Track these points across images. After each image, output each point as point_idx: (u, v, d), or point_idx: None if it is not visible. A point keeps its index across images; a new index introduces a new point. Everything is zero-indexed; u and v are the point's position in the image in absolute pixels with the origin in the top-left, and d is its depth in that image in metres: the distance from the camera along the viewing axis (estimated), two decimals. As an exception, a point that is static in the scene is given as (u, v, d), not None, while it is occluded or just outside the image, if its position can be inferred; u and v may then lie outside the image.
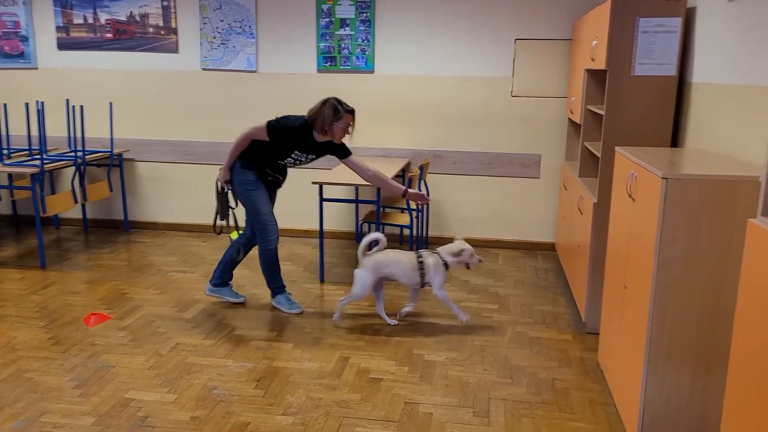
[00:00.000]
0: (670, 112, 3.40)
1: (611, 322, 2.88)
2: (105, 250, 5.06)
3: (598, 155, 3.52)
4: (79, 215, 5.77)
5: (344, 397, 2.89)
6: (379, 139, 5.26)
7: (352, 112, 3.56)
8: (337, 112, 3.49)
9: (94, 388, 2.92)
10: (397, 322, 3.68)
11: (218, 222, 3.92)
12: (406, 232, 5.31)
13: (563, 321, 3.79)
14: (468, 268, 3.69)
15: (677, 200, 2.20)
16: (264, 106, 5.32)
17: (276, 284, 3.86)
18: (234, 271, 4.00)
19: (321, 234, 4.33)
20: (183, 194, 5.62)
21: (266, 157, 3.65)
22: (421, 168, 4.59)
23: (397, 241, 5.41)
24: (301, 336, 3.52)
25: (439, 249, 3.65)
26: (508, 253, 5.15)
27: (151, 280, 4.39)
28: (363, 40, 5.08)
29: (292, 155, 3.66)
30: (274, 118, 3.60)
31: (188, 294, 4.13)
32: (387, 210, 4.78)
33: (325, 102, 3.52)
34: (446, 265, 3.61)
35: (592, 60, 3.72)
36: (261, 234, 3.72)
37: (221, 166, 3.71)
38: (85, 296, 4.06)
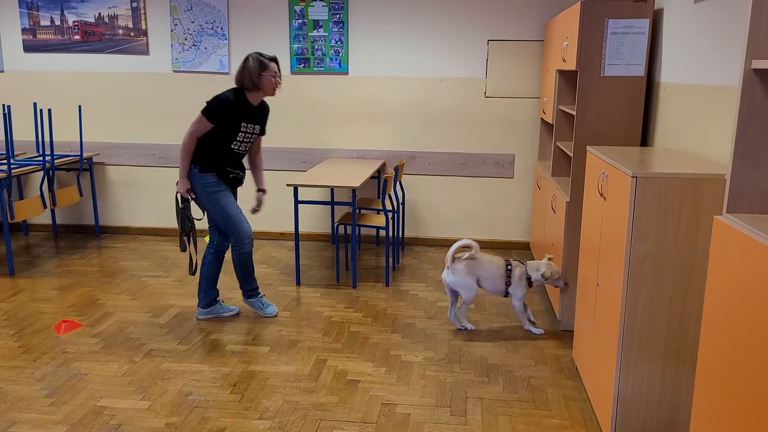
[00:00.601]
0: (639, 112, 3.47)
1: (585, 319, 2.92)
2: (76, 256, 4.97)
3: (570, 155, 3.57)
4: (48, 221, 5.66)
5: (321, 399, 2.88)
6: (353, 140, 5.26)
7: (275, 59, 3.50)
8: (261, 64, 3.42)
9: (66, 397, 2.86)
10: (473, 327, 3.68)
11: (183, 238, 3.66)
12: (382, 233, 5.32)
13: (538, 319, 3.83)
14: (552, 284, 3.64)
15: (646, 198, 2.24)
16: (237, 108, 5.28)
17: (250, 287, 3.78)
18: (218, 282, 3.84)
19: (296, 236, 4.31)
20: (155, 198, 5.54)
21: (219, 148, 3.48)
22: (396, 169, 4.60)
23: (373, 243, 5.41)
24: (277, 339, 3.50)
25: (528, 262, 3.62)
26: (484, 252, 5.18)
27: (124, 285, 4.32)
28: (337, 42, 5.08)
29: (242, 129, 3.49)
30: (205, 104, 3.45)
31: (162, 299, 4.07)
32: (363, 211, 4.78)
33: (246, 59, 3.44)
34: (530, 280, 3.58)
35: (563, 61, 3.77)
36: (234, 237, 3.59)
37: (177, 180, 3.53)
38: (56, 303, 3.98)
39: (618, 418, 2.43)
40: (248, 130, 3.53)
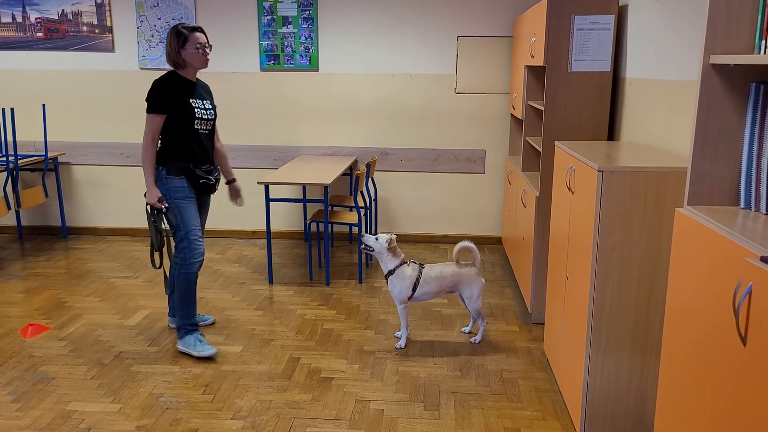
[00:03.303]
0: (605, 107, 3.52)
1: (555, 312, 2.96)
2: (42, 258, 4.87)
3: (540, 150, 3.61)
4: (13, 222, 5.52)
5: (295, 398, 2.87)
6: (325, 137, 5.24)
7: (198, 29, 3.15)
8: (179, 36, 3.10)
9: (33, 401, 2.81)
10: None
11: (155, 252, 3.24)
12: (355, 230, 5.32)
13: (510, 313, 3.87)
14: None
15: (612, 191, 2.28)
16: (206, 105, 5.22)
17: (189, 320, 3.27)
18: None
19: (268, 234, 4.28)
20: (123, 198, 5.45)
21: (183, 136, 3.14)
22: (368, 166, 4.60)
23: (346, 240, 5.40)
24: (249, 338, 3.47)
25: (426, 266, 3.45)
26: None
27: (92, 287, 4.25)
28: (306, 38, 5.05)
29: (194, 107, 3.15)
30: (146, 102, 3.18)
31: (131, 300, 4.01)
32: (335, 209, 4.77)
33: (168, 33, 3.14)
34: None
35: (532, 56, 3.81)
36: (183, 253, 3.17)
37: (145, 191, 3.15)
38: (22, 306, 3.89)
39: (588, 408, 2.47)
40: (201, 106, 3.20)
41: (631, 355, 2.41)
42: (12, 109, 4.70)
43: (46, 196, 5.18)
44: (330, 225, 4.96)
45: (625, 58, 3.45)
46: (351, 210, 4.78)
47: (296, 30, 5.04)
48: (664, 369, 1.75)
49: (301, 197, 5.10)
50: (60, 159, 5.38)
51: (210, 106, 3.29)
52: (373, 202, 5.10)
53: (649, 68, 3.09)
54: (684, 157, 2.50)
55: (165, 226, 3.18)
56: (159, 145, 3.16)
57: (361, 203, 4.61)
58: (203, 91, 3.31)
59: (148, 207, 3.14)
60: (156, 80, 3.13)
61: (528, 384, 3.00)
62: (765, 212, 1.60)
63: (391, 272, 3.32)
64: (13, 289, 4.20)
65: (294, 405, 2.81)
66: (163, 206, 3.12)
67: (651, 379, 2.42)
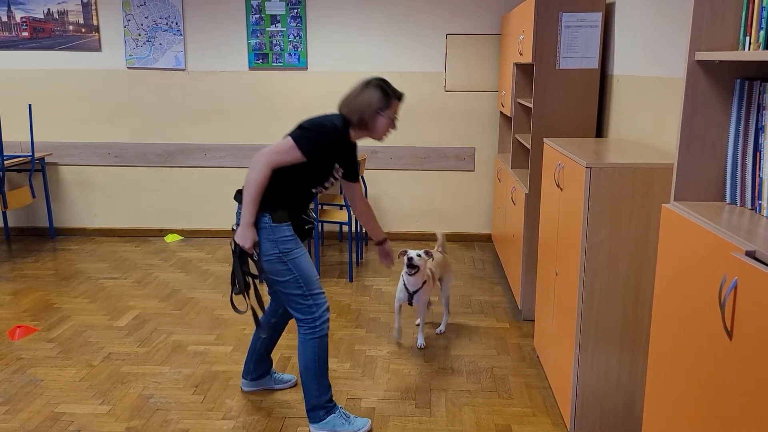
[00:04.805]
0: (593, 104, 3.54)
1: (545, 309, 2.98)
2: (29, 260, 4.82)
3: (529, 147, 3.62)
4: (-1, 224, 5.48)
5: (286, 397, 2.87)
6: (314, 136, 5.22)
7: (401, 97, 2.57)
8: (386, 98, 2.49)
9: (22, 404, 2.78)
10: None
11: (236, 296, 2.62)
12: (345, 228, 5.31)
13: (500, 310, 3.88)
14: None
15: (600, 188, 2.29)
16: (194, 104, 5.19)
17: (326, 396, 2.59)
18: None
19: (258, 234, 4.25)
20: (111, 198, 5.42)
21: (298, 190, 2.53)
22: (358, 164, 4.58)
23: (336, 239, 5.40)
24: (240, 338, 3.46)
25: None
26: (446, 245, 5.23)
27: (81, 288, 4.22)
28: (295, 37, 5.03)
29: (334, 173, 2.59)
30: (297, 128, 2.45)
31: (121, 301, 3.99)
32: (325, 207, 4.76)
33: (368, 84, 2.51)
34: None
35: (520, 54, 3.82)
36: (310, 312, 2.52)
37: (236, 224, 2.49)
38: (9, 308, 3.86)
39: (578, 404, 2.48)
40: (338, 175, 2.65)
41: (620, 351, 2.42)
42: (-3, 110, 4.66)
43: (33, 196, 5.13)
44: (320, 224, 4.96)
45: (612, 56, 3.47)
46: (341, 209, 4.77)
47: (285, 28, 5.02)
48: (652, 363, 1.76)
49: (291, 196, 5.08)
50: (47, 159, 5.33)
51: (341, 174, 2.70)
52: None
53: (636, 65, 3.11)
54: (671, 153, 2.52)
55: (251, 269, 2.57)
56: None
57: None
58: (352, 155, 2.70)
59: (235, 245, 2.47)
60: (330, 121, 2.48)
61: (518, 380, 3.02)
62: (750, 207, 1.61)
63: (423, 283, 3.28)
64: (1, 291, 4.16)
65: (285, 404, 2.80)
66: (254, 254, 2.48)
67: (640, 373, 2.44)
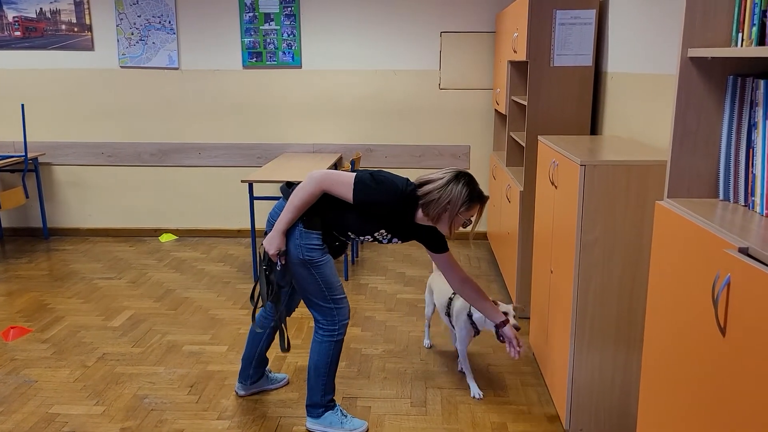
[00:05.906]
0: (588, 101, 3.54)
1: (540, 306, 2.98)
2: (23, 260, 4.80)
3: (523, 145, 3.62)
4: (-7, 224, 5.45)
5: (281, 396, 2.86)
6: (309, 135, 5.22)
7: (485, 202, 2.42)
8: (473, 201, 2.34)
9: (16, 405, 2.77)
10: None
11: (260, 304, 2.66)
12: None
13: (496, 307, 3.88)
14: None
15: (595, 185, 2.29)
16: (188, 103, 5.18)
17: (330, 396, 2.62)
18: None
19: (253, 233, 4.25)
20: (105, 198, 5.40)
21: (336, 223, 2.46)
22: (353, 163, 4.58)
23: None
24: (235, 338, 3.45)
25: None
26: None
27: (75, 288, 4.20)
28: (289, 35, 5.02)
29: (375, 234, 2.49)
30: (367, 174, 2.36)
31: (115, 301, 3.97)
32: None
33: (456, 178, 2.33)
34: (471, 317, 2.83)
35: (514, 52, 3.82)
36: (330, 317, 2.51)
37: (269, 231, 2.45)
38: (3, 309, 3.84)
39: (573, 401, 2.49)
40: (381, 238, 2.53)
41: (615, 347, 2.42)
42: (-10, 110, 4.63)
43: (27, 197, 5.11)
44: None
45: (606, 53, 3.47)
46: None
47: (279, 27, 5.01)
48: (646, 360, 1.76)
49: (286, 195, 5.07)
50: (40, 159, 5.31)
51: (396, 241, 2.56)
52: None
53: (630, 62, 3.11)
54: (664, 150, 2.52)
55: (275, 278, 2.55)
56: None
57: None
58: (411, 231, 2.53)
59: (263, 253, 2.47)
60: (397, 196, 2.36)
61: (514, 378, 3.02)
62: (743, 204, 1.61)
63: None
64: (-6, 291, 4.14)
65: (280, 404, 2.80)
66: (279, 261, 2.46)
67: (635, 370, 2.44)
